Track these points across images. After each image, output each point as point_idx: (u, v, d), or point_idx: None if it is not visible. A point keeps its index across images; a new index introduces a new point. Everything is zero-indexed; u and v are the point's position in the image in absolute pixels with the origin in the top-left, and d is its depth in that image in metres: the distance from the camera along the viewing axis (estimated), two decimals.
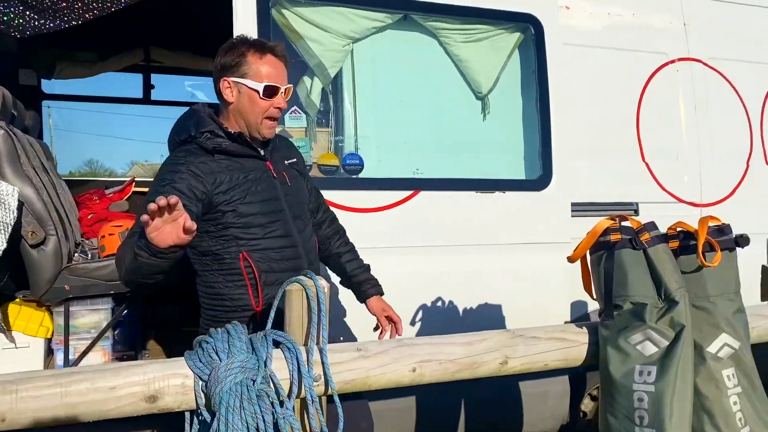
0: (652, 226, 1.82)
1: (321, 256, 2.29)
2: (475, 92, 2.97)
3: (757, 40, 3.57)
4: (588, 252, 1.85)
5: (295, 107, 2.68)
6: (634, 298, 1.75)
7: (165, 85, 6.07)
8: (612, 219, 1.85)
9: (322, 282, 1.57)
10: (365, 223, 2.68)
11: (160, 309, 3.82)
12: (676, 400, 1.64)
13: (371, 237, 2.69)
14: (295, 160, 2.21)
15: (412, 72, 2.89)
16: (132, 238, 1.71)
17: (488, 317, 2.85)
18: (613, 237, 1.80)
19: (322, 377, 1.52)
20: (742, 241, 1.82)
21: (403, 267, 2.69)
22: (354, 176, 2.72)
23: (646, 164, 3.25)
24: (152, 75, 5.27)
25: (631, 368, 1.70)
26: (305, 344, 1.57)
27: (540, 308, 2.95)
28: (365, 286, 2.29)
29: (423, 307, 2.74)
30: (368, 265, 2.33)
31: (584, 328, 1.85)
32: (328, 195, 2.63)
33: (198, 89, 5.93)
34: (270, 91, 1.95)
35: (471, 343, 1.69)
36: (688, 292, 1.76)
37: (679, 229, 1.86)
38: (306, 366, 1.50)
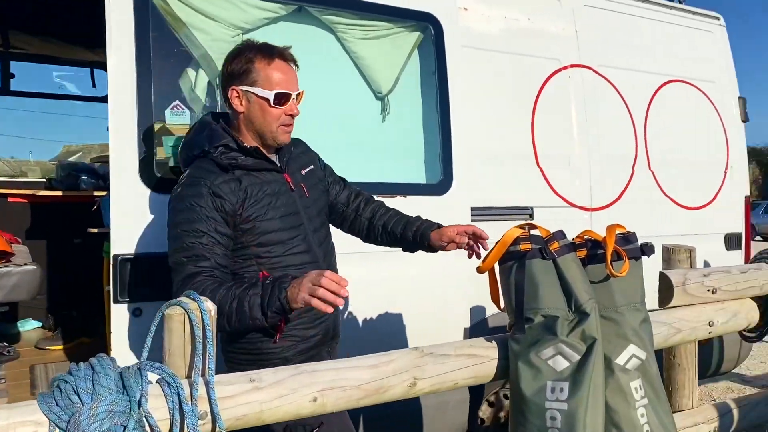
0: (560, 234, 1.76)
1: (375, 242, 2.22)
2: (374, 92, 2.84)
3: (642, 49, 3.71)
4: (497, 262, 1.76)
5: (177, 102, 2.42)
6: (545, 311, 1.67)
7: (28, 75, 5.48)
8: (521, 228, 1.77)
9: (208, 304, 1.36)
10: None
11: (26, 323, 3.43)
12: (589, 418, 1.57)
13: None
14: (312, 167, 2.12)
15: (307, 68, 2.70)
16: (242, 290, 1.69)
17: (389, 324, 2.74)
18: (523, 246, 1.72)
19: (209, 415, 1.31)
20: (647, 249, 1.80)
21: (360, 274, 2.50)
22: None
23: (541, 169, 3.27)
24: (12, 63, 4.71)
25: (542, 385, 1.62)
26: (188, 377, 1.35)
27: (440, 313, 2.87)
28: (422, 230, 2.11)
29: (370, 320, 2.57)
30: (417, 217, 2.17)
31: (494, 342, 1.76)
32: None
33: (68, 81, 5.38)
34: (281, 98, 1.86)
35: (377, 365, 1.54)
36: (597, 303, 1.71)
37: (586, 237, 1.81)
38: (189, 403, 1.29)
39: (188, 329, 1.34)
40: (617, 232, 1.78)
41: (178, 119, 2.40)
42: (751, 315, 2.31)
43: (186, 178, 1.88)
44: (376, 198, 2.29)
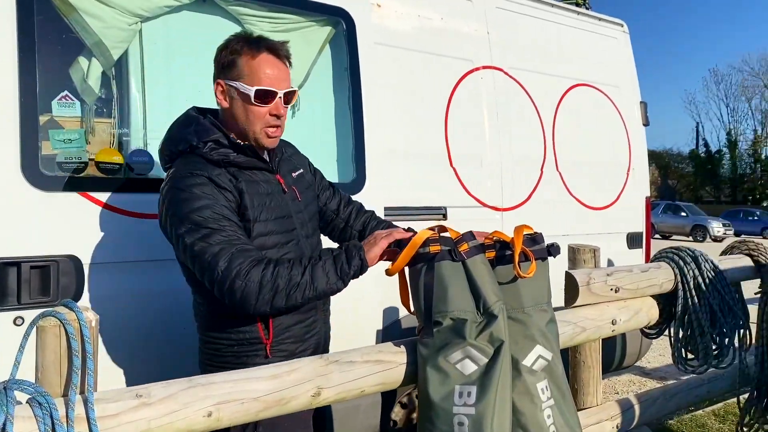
0: (470, 236, 1.74)
1: None
2: None
3: (551, 53, 3.80)
4: (407, 265, 1.71)
5: (66, 92, 2.23)
6: (453, 314, 1.64)
7: None
8: (431, 229, 1.73)
9: (89, 314, 1.24)
10: (157, 231, 2.32)
11: None
12: (496, 422, 1.55)
13: (168, 247, 2.33)
14: (302, 171, 2.02)
15: (212, 60, 2.57)
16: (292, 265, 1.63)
17: None
18: (433, 248, 1.68)
19: None
20: (554, 250, 1.81)
21: None
22: (142, 176, 2.34)
23: (454, 169, 3.27)
24: None
25: (450, 389, 1.59)
26: (65, 395, 1.22)
27: (353, 316, 2.80)
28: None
29: None
30: (409, 229, 2.01)
31: (402, 347, 1.71)
32: (106, 198, 2.24)
33: None
34: (264, 96, 1.70)
35: (278, 375, 1.46)
36: (505, 305, 1.70)
37: (495, 238, 1.80)
38: (64, 425, 1.16)
39: (65, 342, 1.21)
40: (525, 232, 1.78)
41: (67, 111, 2.21)
42: (651, 312, 2.39)
43: (177, 173, 1.72)
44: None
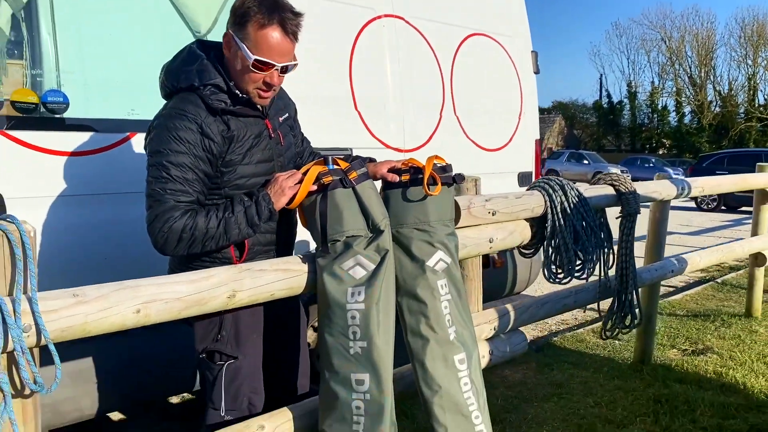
0: (358, 164, 2.01)
1: None
2: (193, 31, 2.87)
3: (450, 3, 4.07)
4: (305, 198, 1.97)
5: None
6: (348, 233, 1.93)
7: None
8: (321, 164, 1.99)
9: (28, 226, 1.43)
10: (72, 169, 2.46)
11: None
12: (382, 314, 1.88)
13: (79, 184, 2.48)
14: (287, 115, 2.17)
15: (120, 8, 2.66)
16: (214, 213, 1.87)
17: None
18: (326, 180, 1.94)
19: (33, 327, 1.41)
20: (458, 178, 2.14)
21: (119, 215, 2.55)
22: (58, 116, 2.46)
23: (359, 113, 3.52)
24: None
25: (344, 290, 1.90)
26: (10, 294, 1.42)
27: None
28: None
29: (136, 256, 2.59)
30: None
31: (304, 259, 1.99)
32: (24, 136, 2.36)
33: None
34: (261, 66, 1.83)
35: (197, 280, 1.70)
36: (413, 218, 2.02)
37: (410, 164, 2.10)
38: (12, 317, 1.37)
39: (8, 250, 1.40)
40: (435, 162, 2.09)
41: None
42: (524, 233, 2.78)
43: (173, 110, 1.86)
44: None
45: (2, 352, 1.37)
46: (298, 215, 2.10)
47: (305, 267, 1.96)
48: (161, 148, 1.83)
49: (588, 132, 53.57)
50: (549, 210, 2.78)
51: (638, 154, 39.25)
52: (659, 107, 49.97)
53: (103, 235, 2.56)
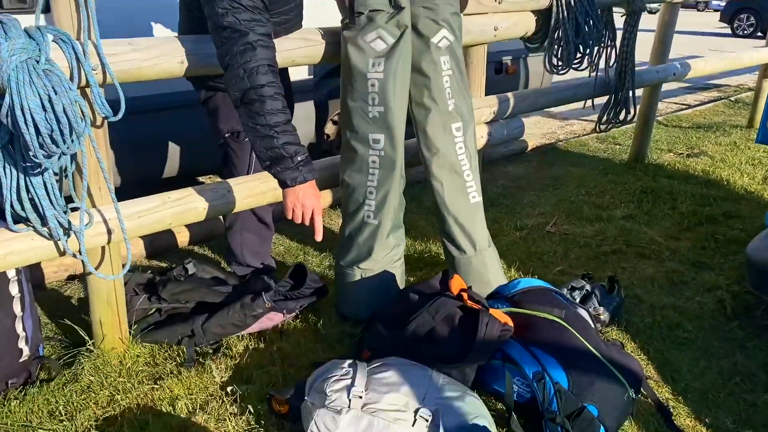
0: None
1: None
2: None
3: None
4: None
5: None
6: (372, 6, 2.14)
7: None
8: None
9: None
10: None
11: None
12: (399, 84, 2.17)
13: None
14: None
15: None
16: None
17: None
18: None
19: (100, 66, 1.72)
20: None
21: None
22: None
23: None
24: None
25: (366, 60, 2.16)
26: (78, 39, 1.72)
27: None
28: None
29: None
30: None
31: (324, 32, 2.24)
32: None
33: None
34: None
35: None
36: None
37: None
38: (83, 55, 1.67)
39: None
40: None
41: None
42: (529, 24, 2.95)
43: None
44: None
45: (78, 87, 1.70)
46: None
47: (325, 39, 2.22)
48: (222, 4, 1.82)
49: None
50: (554, 2, 2.93)
51: None
52: None
53: None
